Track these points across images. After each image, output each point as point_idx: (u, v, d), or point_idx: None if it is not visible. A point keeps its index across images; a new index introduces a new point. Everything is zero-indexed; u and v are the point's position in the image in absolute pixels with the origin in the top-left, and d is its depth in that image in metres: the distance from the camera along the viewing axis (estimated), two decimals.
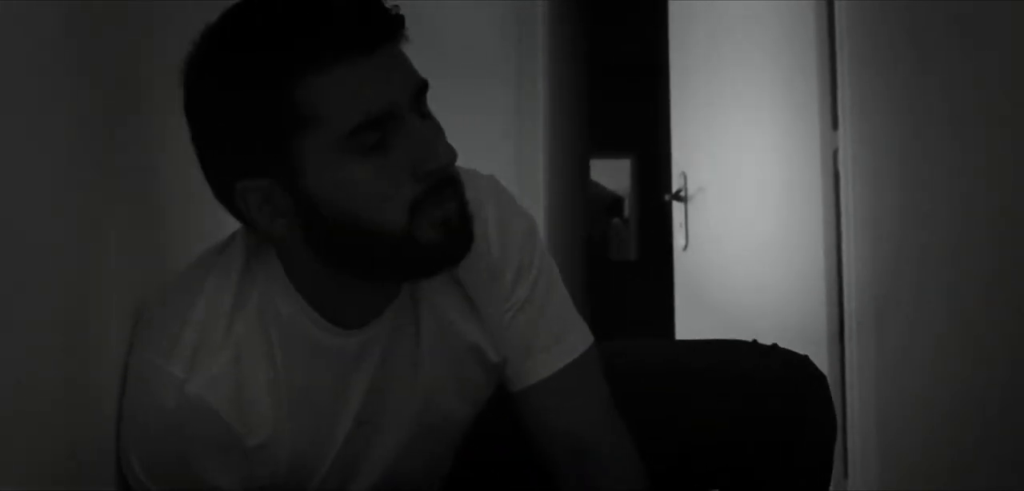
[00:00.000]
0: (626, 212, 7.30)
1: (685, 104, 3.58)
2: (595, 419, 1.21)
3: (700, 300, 3.49)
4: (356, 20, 0.98)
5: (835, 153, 2.69)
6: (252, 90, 0.98)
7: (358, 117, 0.97)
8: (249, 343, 1.05)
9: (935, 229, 2.18)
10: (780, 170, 2.98)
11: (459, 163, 1.05)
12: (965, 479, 2.04)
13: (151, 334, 1.05)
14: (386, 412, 1.15)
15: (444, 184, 1.02)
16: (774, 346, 1.33)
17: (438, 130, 1.04)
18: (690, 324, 3.55)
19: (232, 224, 1.13)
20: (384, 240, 1.00)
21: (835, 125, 2.69)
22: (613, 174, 7.16)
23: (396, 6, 1.01)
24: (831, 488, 1.32)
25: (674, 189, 3.60)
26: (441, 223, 1.02)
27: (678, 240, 3.63)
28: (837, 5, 2.63)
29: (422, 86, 1.03)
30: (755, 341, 1.34)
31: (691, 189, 3.50)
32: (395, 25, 1.01)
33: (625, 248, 7.26)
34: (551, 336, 1.21)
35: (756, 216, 3.14)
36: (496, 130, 3.26)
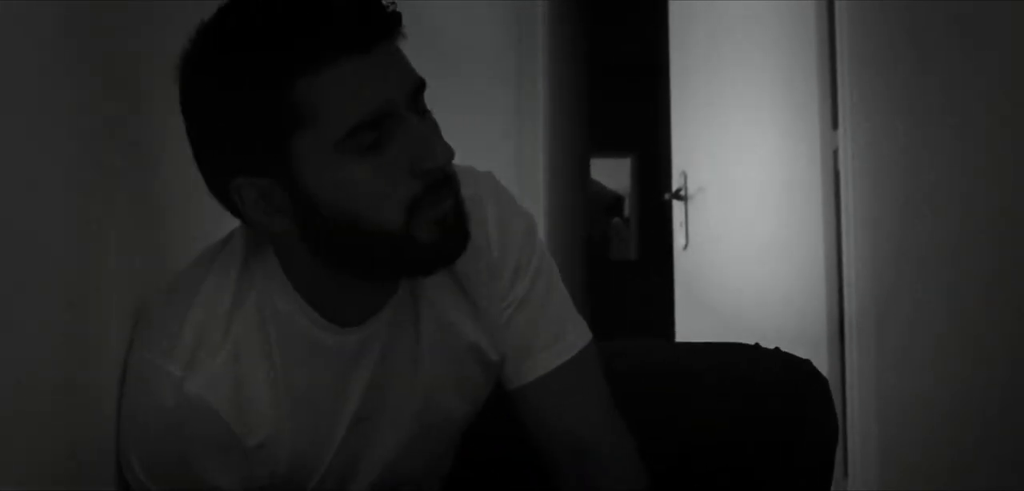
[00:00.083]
0: (626, 211, 7.30)
1: (685, 103, 3.58)
2: (594, 417, 1.21)
3: (700, 300, 3.49)
4: (354, 19, 0.98)
5: (835, 153, 2.69)
6: (249, 89, 0.98)
7: (356, 116, 0.97)
8: (248, 342, 1.05)
9: (935, 229, 2.18)
10: (780, 170, 2.98)
11: (458, 162, 1.05)
12: (965, 479, 2.05)
13: (150, 333, 1.05)
14: (385, 410, 1.15)
15: (441, 183, 1.02)
16: (776, 349, 1.33)
17: (435, 128, 1.04)
18: (690, 324, 3.55)
19: (231, 223, 1.13)
20: (382, 239, 1.00)
21: (835, 125, 2.69)
22: (613, 173, 7.16)
23: (393, 4, 1.01)
24: (831, 488, 1.32)
25: (674, 188, 3.60)
26: (438, 221, 1.02)
27: (678, 240, 3.63)
28: (837, 5, 2.63)
29: (420, 85, 1.03)
30: (757, 344, 1.34)
31: (691, 189, 3.50)
32: (392, 23, 1.01)
33: (625, 247, 7.26)
34: (550, 334, 1.21)
35: (756, 216, 3.14)
36: (496, 130, 3.26)
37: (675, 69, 3.63)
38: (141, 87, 1.18)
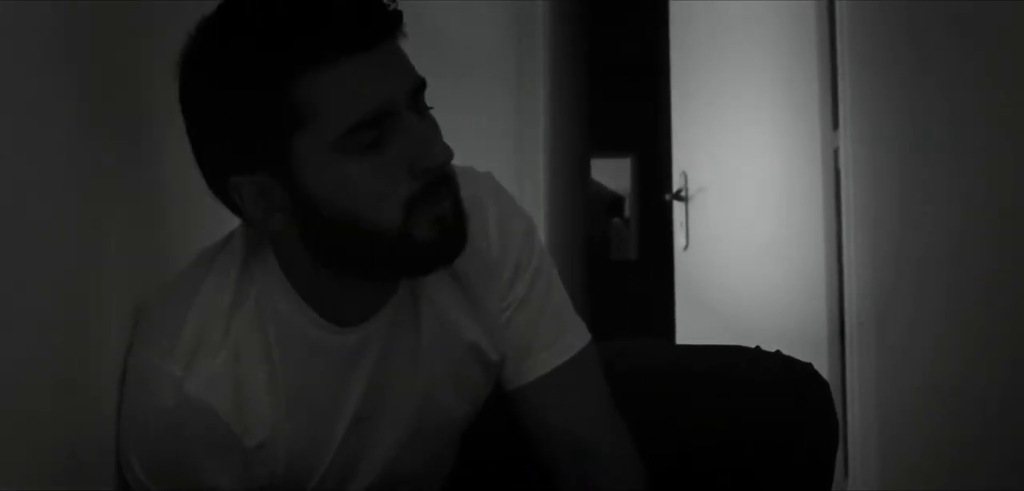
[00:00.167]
0: (626, 212, 7.30)
1: (686, 104, 3.58)
2: (594, 417, 1.21)
3: (700, 300, 3.49)
4: (355, 18, 0.98)
5: (836, 153, 2.69)
6: (248, 88, 0.98)
7: (355, 115, 0.97)
8: (247, 342, 1.05)
9: (935, 229, 2.18)
10: (781, 170, 2.98)
11: (458, 162, 1.05)
12: (965, 479, 2.04)
13: (150, 334, 1.05)
14: (385, 409, 1.15)
15: (440, 182, 1.02)
16: (777, 353, 1.33)
17: (435, 128, 1.04)
18: (690, 324, 3.55)
19: (232, 224, 1.13)
20: (380, 238, 1.00)
21: (836, 125, 2.69)
22: (613, 174, 7.16)
23: (394, 2, 1.01)
24: (832, 489, 1.32)
25: (675, 189, 3.60)
26: (436, 221, 1.02)
27: (678, 240, 3.63)
28: (838, 5, 2.63)
29: (420, 84, 1.03)
30: (758, 347, 1.34)
31: (692, 189, 3.50)
32: (393, 22, 1.01)
33: (625, 248, 7.25)
34: (549, 335, 1.21)
35: (757, 216, 3.14)
36: (496, 130, 3.25)
37: (675, 69, 3.63)
38: (141, 87, 1.18)
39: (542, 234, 3.36)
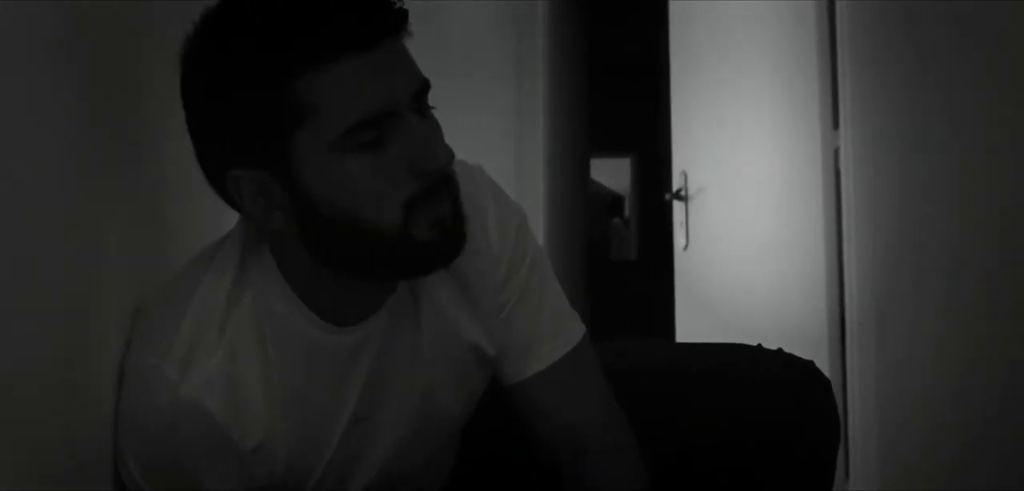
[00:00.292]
0: (626, 212, 7.30)
1: (686, 103, 3.58)
2: (594, 408, 1.22)
3: (701, 300, 3.49)
4: (356, 17, 0.97)
5: (836, 152, 2.69)
6: (249, 86, 0.97)
7: (356, 115, 0.97)
8: (244, 342, 1.05)
9: (936, 229, 2.18)
10: (781, 169, 2.98)
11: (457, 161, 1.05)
12: (965, 479, 2.04)
13: (147, 335, 1.05)
14: (384, 409, 1.14)
15: (440, 183, 1.02)
16: (779, 351, 1.33)
17: (437, 129, 1.03)
18: (690, 324, 3.55)
19: (232, 223, 1.13)
20: (379, 238, 1.00)
21: (836, 124, 2.69)
22: (613, 173, 7.16)
23: (399, 1, 1.00)
24: (833, 488, 1.32)
25: (674, 189, 3.60)
26: (436, 221, 1.01)
27: (678, 240, 3.63)
28: (838, 4, 2.63)
29: (424, 85, 1.02)
30: (759, 345, 1.34)
31: (692, 189, 3.50)
32: (397, 21, 1.00)
33: (625, 248, 7.26)
34: (549, 329, 1.21)
35: (757, 216, 3.14)
36: (496, 130, 3.26)
37: (675, 69, 3.62)
38: (141, 87, 1.18)
39: (542, 234, 3.37)
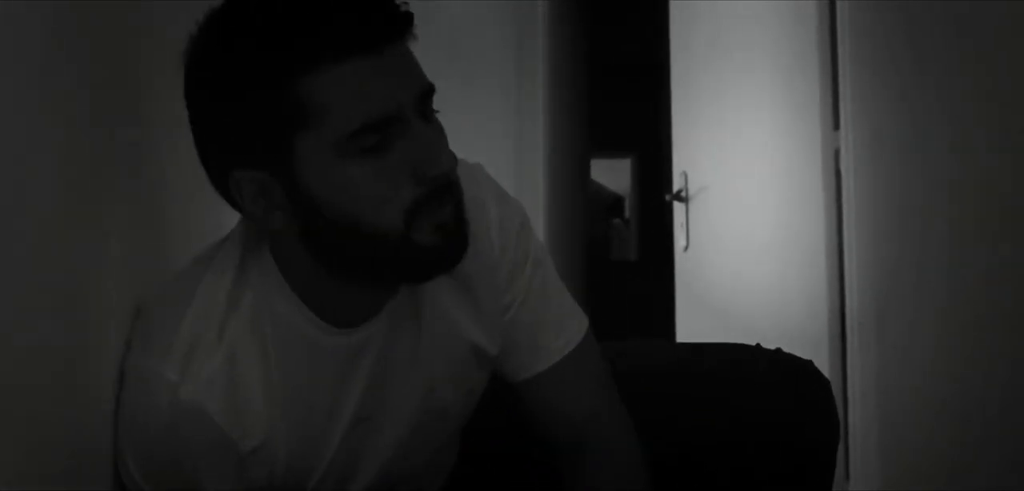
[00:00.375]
0: (626, 212, 7.30)
1: (686, 104, 3.58)
2: (597, 403, 1.23)
3: (701, 301, 3.49)
4: (360, 19, 0.96)
5: (837, 153, 2.69)
6: (251, 86, 0.97)
7: (360, 119, 0.96)
8: (244, 343, 1.04)
9: (937, 230, 2.18)
10: (781, 170, 2.98)
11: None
12: (965, 479, 2.04)
13: (147, 335, 1.05)
14: (384, 409, 1.14)
15: (443, 189, 1.01)
16: (778, 350, 1.33)
17: (441, 134, 1.03)
18: (691, 325, 3.55)
19: (232, 223, 1.12)
20: (380, 242, 0.99)
21: (837, 125, 2.69)
22: (613, 174, 7.16)
23: (406, 3, 0.99)
24: (833, 489, 1.32)
25: (675, 189, 3.60)
26: (438, 227, 1.01)
27: (679, 240, 3.63)
28: (838, 5, 2.63)
29: (428, 89, 1.01)
30: (758, 345, 1.34)
31: (692, 189, 3.50)
32: (402, 24, 0.99)
33: (626, 248, 7.26)
34: (555, 326, 1.22)
35: (757, 216, 3.14)
36: (496, 130, 3.25)
37: (676, 69, 3.62)
38: (141, 87, 1.18)
39: (542, 234, 3.37)
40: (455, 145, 1.03)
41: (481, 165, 1.20)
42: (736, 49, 3.23)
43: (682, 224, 3.59)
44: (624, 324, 4.18)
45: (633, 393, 1.25)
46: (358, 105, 0.96)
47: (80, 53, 0.99)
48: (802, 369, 1.32)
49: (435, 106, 1.03)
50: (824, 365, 2.50)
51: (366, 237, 0.99)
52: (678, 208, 3.60)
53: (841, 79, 2.62)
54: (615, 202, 7.26)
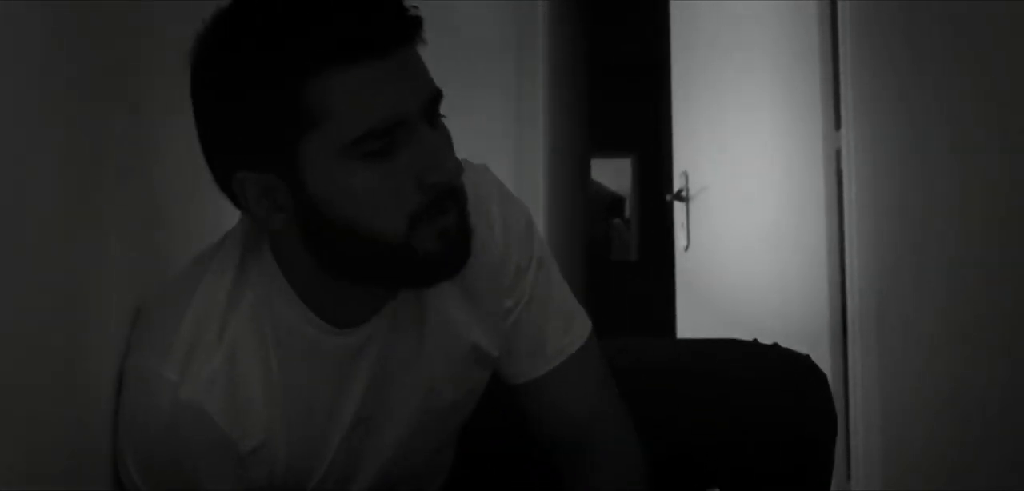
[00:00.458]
0: (627, 212, 7.30)
1: (687, 103, 3.58)
2: (598, 404, 1.23)
3: (702, 301, 3.49)
4: (372, 22, 0.96)
5: (838, 153, 2.69)
6: (258, 87, 0.96)
7: (367, 124, 0.96)
8: (244, 343, 1.04)
9: (937, 230, 2.18)
10: (782, 170, 2.98)
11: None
12: (965, 479, 2.04)
13: (147, 336, 1.05)
14: (385, 409, 1.14)
15: (446, 196, 1.01)
16: (775, 345, 1.33)
17: (447, 141, 1.02)
18: (692, 325, 3.54)
19: (232, 223, 1.12)
20: (382, 247, 0.99)
21: (838, 125, 2.69)
22: (614, 174, 7.16)
23: (415, 7, 0.99)
24: (834, 489, 1.32)
25: (675, 189, 3.59)
26: (440, 234, 1.00)
27: (680, 240, 3.63)
28: (839, 4, 2.63)
29: (436, 95, 1.01)
30: (755, 340, 1.34)
31: (693, 189, 3.50)
32: (411, 28, 0.98)
33: (626, 248, 7.26)
34: (559, 326, 1.22)
35: (758, 216, 3.14)
36: (496, 130, 3.25)
37: (677, 69, 3.62)
38: (141, 86, 1.18)
39: (542, 234, 3.36)
40: (455, 145, 1.03)
41: (487, 166, 1.20)
42: (736, 49, 3.23)
43: (683, 224, 3.58)
44: (624, 324, 4.18)
45: (633, 390, 1.25)
46: (365, 110, 0.96)
47: (80, 53, 0.99)
48: (799, 362, 1.32)
49: (441, 111, 1.03)
50: (825, 365, 2.50)
51: (368, 241, 0.99)
52: (679, 208, 3.60)
53: (842, 78, 2.61)
54: (615, 202, 7.27)
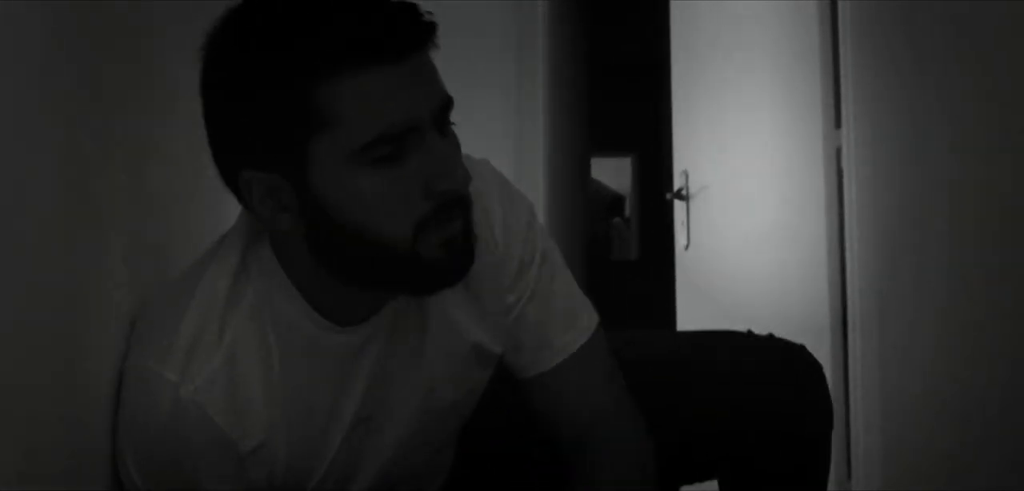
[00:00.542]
0: (627, 211, 7.30)
1: (687, 102, 3.57)
2: (604, 397, 1.22)
3: (702, 300, 3.49)
4: (385, 27, 0.95)
5: (838, 152, 2.69)
6: (267, 88, 0.96)
7: (377, 129, 0.95)
8: (244, 342, 1.04)
9: (937, 229, 2.18)
10: (783, 169, 2.98)
11: None
12: (965, 479, 2.04)
13: (148, 336, 1.05)
14: (386, 408, 1.14)
15: (453, 204, 1.00)
16: (770, 336, 1.34)
17: (457, 148, 1.02)
18: (692, 324, 3.54)
19: (232, 223, 1.12)
20: (387, 252, 0.99)
21: (838, 123, 2.69)
22: (614, 173, 7.16)
23: (430, 12, 0.98)
24: (835, 488, 1.32)
25: (676, 188, 3.59)
26: (445, 242, 1.00)
27: (680, 239, 3.63)
28: (840, 4, 2.63)
29: (447, 102, 1.00)
30: (750, 331, 1.35)
31: (693, 188, 3.50)
32: (424, 34, 0.98)
33: (626, 247, 7.26)
34: (564, 320, 1.21)
35: (758, 215, 3.14)
36: (496, 130, 3.25)
37: (677, 68, 3.62)
38: (141, 87, 1.18)
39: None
40: None
41: (488, 161, 1.20)
42: (736, 49, 3.23)
43: (683, 223, 3.58)
44: (625, 323, 4.18)
45: (634, 382, 1.25)
46: (376, 115, 0.95)
47: (80, 53, 0.99)
48: (796, 353, 1.33)
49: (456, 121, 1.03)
50: (826, 364, 2.50)
51: (374, 246, 0.99)
52: (679, 207, 3.60)
53: (843, 78, 2.61)
54: (615, 201, 7.27)
